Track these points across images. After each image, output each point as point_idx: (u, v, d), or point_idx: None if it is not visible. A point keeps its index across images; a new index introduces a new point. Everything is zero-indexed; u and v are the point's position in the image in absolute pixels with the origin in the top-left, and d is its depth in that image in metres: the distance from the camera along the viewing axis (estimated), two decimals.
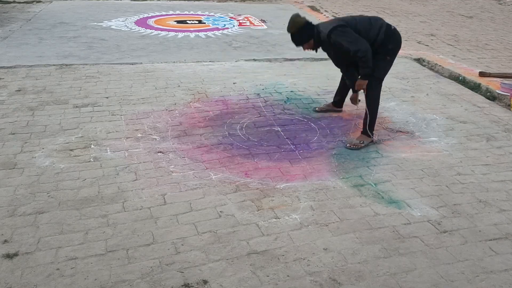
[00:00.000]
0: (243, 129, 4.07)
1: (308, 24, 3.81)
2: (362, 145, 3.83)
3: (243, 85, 5.14)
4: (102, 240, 2.59)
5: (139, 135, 3.87)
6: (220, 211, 2.89)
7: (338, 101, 4.48)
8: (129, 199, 2.98)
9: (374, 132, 3.93)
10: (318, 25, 3.87)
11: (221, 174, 3.31)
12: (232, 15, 9.05)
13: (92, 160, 3.45)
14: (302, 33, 3.80)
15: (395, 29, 3.83)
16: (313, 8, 10.01)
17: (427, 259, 2.53)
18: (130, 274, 2.35)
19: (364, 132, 3.92)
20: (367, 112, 3.87)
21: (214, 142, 3.80)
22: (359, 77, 3.81)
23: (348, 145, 3.83)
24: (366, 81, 3.78)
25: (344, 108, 4.57)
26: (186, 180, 3.23)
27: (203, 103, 4.59)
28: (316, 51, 3.98)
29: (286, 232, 2.71)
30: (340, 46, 3.68)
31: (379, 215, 2.91)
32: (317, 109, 4.55)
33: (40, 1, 9.50)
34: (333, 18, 4.41)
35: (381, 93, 4.40)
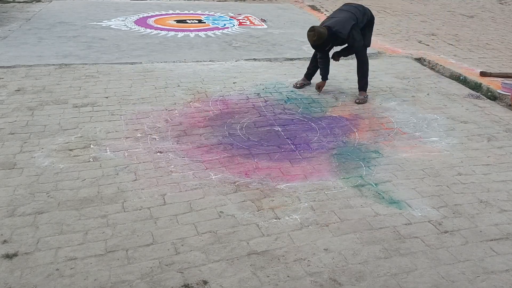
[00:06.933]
0: (243, 129, 4.06)
1: (328, 33, 4.50)
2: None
3: (243, 85, 5.12)
4: (101, 241, 2.58)
5: (139, 135, 3.86)
6: (220, 211, 2.88)
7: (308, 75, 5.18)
8: (128, 199, 2.97)
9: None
10: (328, 26, 4.54)
11: (221, 174, 3.30)
12: (232, 15, 9.04)
13: (92, 160, 3.44)
14: (326, 41, 4.55)
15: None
16: (313, 7, 9.98)
17: (428, 260, 2.53)
18: (130, 275, 2.34)
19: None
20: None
21: (214, 142, 3.79)
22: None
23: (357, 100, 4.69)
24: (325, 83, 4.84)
25: (345, 107, 4.56)
26: (186, 180, 3.22)
27: (203, 103, 4.58)
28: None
29: (286, 233, 2.70)
30: (352, 42, 4.61)
31: (379, 216, 2.90)
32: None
33: (39, 1, 9.48)
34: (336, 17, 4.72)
35: (382, 92, 4.42)
